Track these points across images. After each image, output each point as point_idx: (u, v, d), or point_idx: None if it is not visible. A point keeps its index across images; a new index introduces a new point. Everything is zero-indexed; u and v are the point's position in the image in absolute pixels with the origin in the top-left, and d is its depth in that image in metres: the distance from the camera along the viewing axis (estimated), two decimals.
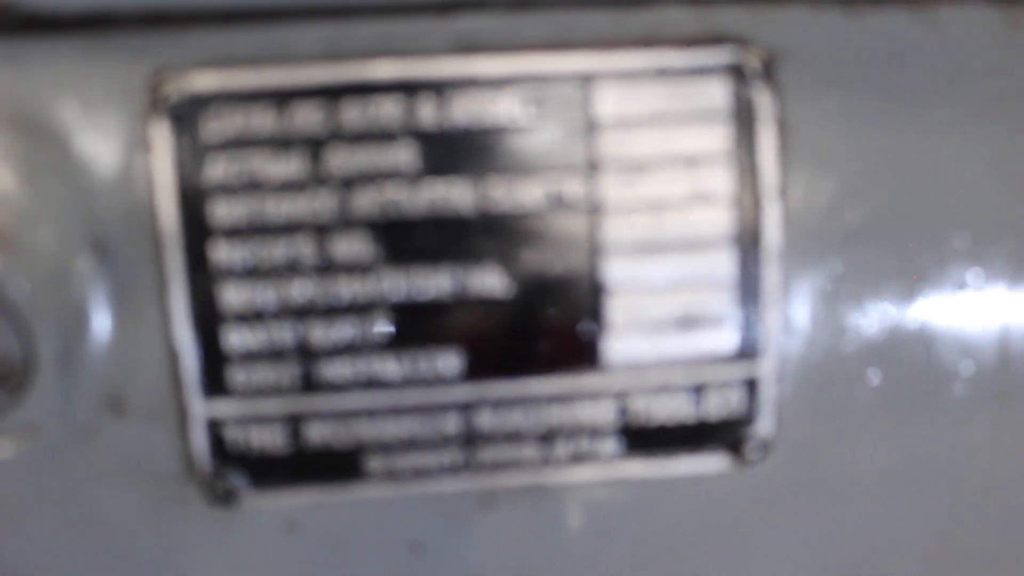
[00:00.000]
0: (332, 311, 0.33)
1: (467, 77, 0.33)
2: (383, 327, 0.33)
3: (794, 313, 0.35)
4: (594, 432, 0.35)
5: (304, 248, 0.32)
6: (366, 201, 0.32)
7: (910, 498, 0.38)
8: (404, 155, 0.32)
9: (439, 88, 0.32)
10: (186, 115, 0.32)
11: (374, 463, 0.34)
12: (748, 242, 0.34)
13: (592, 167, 0.33)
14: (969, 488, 0.38)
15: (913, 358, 0.36)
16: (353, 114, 0.32)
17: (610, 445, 0.35)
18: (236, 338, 0.33)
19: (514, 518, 0.36)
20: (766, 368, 0.35)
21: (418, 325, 0.33)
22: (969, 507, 0.39)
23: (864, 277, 0.35)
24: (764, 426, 0.35)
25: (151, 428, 0.33)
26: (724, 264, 0.34)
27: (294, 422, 0.33)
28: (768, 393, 0.35)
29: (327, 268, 0.33)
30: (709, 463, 0.35)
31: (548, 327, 0.33)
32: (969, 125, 0.35)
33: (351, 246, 0.33)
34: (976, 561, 0.40)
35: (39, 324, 0.31)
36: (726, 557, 0.37)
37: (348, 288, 0.33)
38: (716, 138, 0.33)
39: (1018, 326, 0.36)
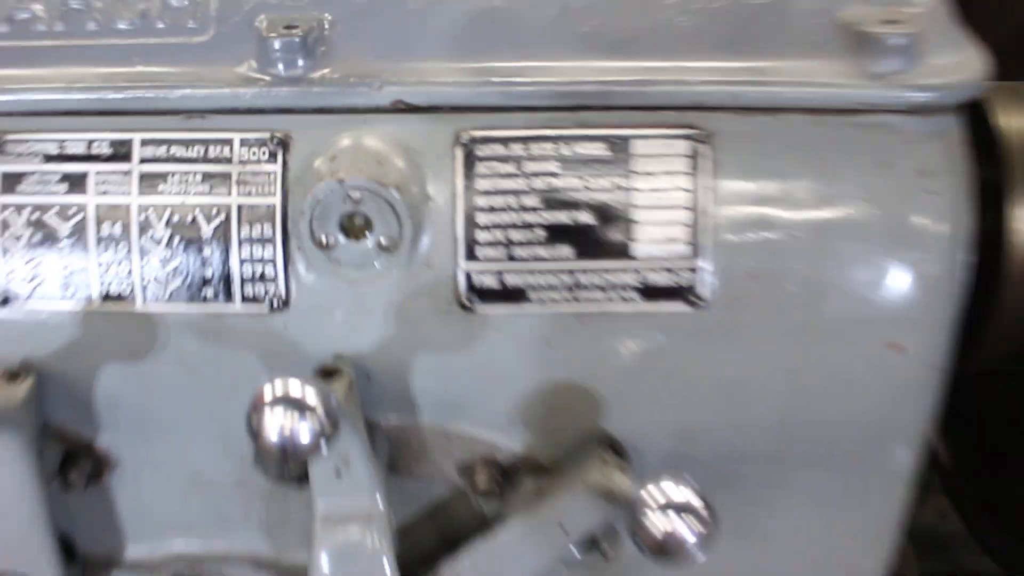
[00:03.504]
0: (524, 227, 0.78)
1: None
2: (542, 238, 0.79)
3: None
4: (625, 287, 0.79)
5: (514, 217, 0.79)
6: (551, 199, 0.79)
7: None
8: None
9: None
10: (470, 148, 0.79)
11: (533, 295, 0.79)
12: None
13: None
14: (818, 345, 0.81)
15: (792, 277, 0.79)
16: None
17: (634, 295, 0.79)
18: (481, 236, 0.79)
19: (593, 330, 0.80)
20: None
21: (554, 238, 0.79)
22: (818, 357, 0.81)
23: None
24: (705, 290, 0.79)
25: (440, 275, 0.79)
26: None
27: (501, 274, 0.79)
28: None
29: (525, 227, 0.79)
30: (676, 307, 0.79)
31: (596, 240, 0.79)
32: None
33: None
34: (824, 394, 0.82)
35: (405, 223, 0.77)
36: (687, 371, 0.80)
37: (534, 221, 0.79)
38: None
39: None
